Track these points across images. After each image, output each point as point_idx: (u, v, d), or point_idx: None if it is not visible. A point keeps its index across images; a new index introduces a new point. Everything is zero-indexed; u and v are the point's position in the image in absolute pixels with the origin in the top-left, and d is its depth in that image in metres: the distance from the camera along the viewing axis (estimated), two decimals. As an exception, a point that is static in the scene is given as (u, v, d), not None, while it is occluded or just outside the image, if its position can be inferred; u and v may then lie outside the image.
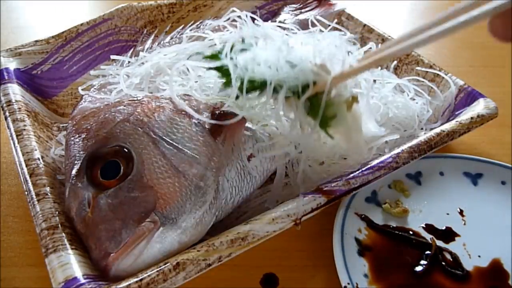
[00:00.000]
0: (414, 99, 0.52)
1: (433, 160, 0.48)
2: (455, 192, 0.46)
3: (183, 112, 0.38)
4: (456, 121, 0.47)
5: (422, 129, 0.50)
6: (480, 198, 0.46)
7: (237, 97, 0.37)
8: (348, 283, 0.36)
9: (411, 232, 0.42)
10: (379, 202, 0.45)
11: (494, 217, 0.44)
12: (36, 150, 0.41)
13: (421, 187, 0.47)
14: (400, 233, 0.42)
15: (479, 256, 0.40)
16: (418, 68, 0.57)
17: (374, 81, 0.53)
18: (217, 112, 0.39)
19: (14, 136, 0.42)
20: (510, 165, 0.48)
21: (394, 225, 0.43)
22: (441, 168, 0.48)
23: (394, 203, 0.44)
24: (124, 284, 0.30)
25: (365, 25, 0.64)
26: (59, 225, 0.34)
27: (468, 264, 0.40)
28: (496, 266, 0.40)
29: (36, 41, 0.55)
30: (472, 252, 0.41)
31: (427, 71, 0.56)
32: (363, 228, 0.42)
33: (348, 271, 0.37)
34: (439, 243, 0.41)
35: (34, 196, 0.36)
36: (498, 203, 0.45)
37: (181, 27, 0.59)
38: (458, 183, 0.47)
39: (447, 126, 0.46)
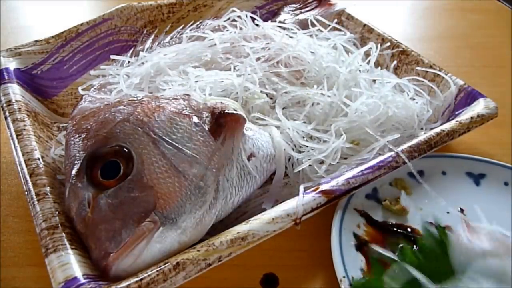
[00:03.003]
0: (414, 99, 0.52)
1: (435, 159, 0.48)
2: (456, 191, 0.46)
3: (183, 112, 0.38)
4: (456, 121, 0.46)
5: (422, 129, 0.50)
6: (482, 199, 0.46)
7: None
8: (344, 276, 0.36)
9: (409, 230, 0.42)
10: (379, 199, 0.45)
11: (496, 218, 0.44)
12: (36, 150, 0.41)
13: (423, 186, 0.47)
14: (398, 230, 0.42)
15: (479, 256, 0.40)
16: (418, 68, 0.57)
17: (374, 81, 0.53)
18: (217, 112, 0.39)
19: (14, 136, 0.42)
20: (512, 166, 0.47)
21: (394, 222, 0.43)
22: (443, 168, 0.48)
23: (394, 201, 0.44)
24: (124, 284, 0.30)
25: (365, 25, 0.64)
26: (59, 225, 0.34)
27: (468, 264, 0.40)
28: (496, 266, 0.40)
29: (36, 41, 0.55)
30: (472, 252, 0.41)
31: (427, 71, 0.56)
32: (362, 224, 0.42)
33: (344, 264, 0.37)
34: (439, 242, 0.41)
35: (34, 196, 0.36)
36: (500, 204, 0.45)
37: (181, 27, 0.59)
38: (460, 183, 0.47)
39: (447, 126, 0.46)
